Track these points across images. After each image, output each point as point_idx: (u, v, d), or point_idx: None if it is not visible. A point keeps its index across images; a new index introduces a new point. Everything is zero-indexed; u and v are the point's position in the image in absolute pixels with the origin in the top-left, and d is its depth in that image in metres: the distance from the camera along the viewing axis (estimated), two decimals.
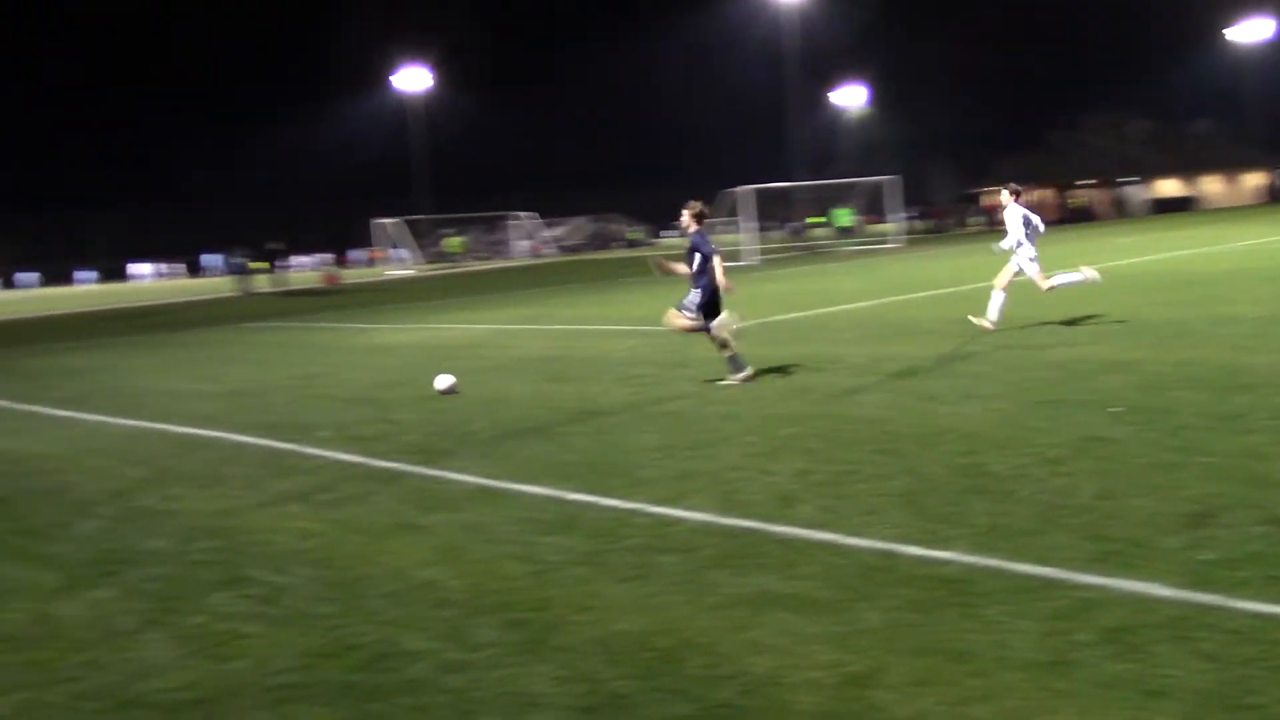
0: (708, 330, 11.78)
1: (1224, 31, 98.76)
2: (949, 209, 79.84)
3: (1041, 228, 14.45)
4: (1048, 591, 5.03)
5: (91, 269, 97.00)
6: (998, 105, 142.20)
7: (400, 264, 70.44)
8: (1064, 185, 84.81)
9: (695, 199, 12.17)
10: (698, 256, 11.74)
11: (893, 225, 59.02)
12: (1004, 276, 14.41)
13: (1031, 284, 14.58)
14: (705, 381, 11.83)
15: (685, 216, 12.00)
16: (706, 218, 12.13)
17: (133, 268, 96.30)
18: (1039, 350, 12.50)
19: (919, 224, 72.81)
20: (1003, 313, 14.24)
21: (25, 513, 8.18)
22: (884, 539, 5.96)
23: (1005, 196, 14.72)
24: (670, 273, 12.58)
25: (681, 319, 11.88)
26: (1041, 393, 9.88)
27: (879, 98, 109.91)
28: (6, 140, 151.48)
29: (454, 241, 77.85)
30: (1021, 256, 14.38)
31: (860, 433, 8.77)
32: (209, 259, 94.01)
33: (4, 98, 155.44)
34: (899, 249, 47.90)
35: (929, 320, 16.66)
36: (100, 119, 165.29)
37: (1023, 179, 25.77)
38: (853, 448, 8.24)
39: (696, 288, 11.71)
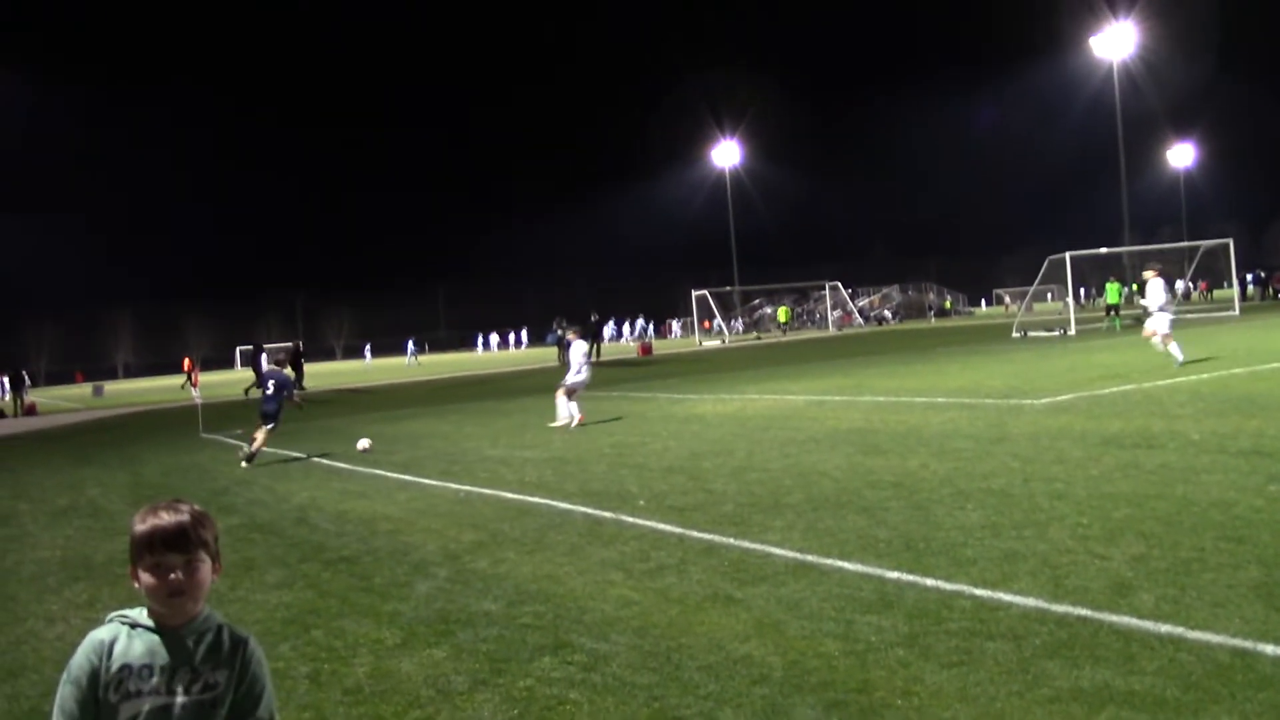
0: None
1: None
2: None
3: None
4: None
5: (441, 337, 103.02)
6: None
7: (713, 334, 71.71)
8: None
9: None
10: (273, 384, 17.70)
11: (1229, 292, 54.96)
12: None
13: None
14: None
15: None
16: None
17: (481, 338, 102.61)
18: None
19: (1257, 289, 67.53)
20: None
21: (370, 571, 8.76)
22: (1237, 635, 5.49)
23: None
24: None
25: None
26: None
27: (1216, 155, 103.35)
28: (363, 226, 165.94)
29: (783, 311, 78.77)
30: None
31: (1204, 516, 8.15)
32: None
33: (372, 189, 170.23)
34: (1235, 317, 44.46)
35: (1278, 394, 15.34)
36: (446, 203, 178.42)
37: None
38: (1197, 533, 7.66)
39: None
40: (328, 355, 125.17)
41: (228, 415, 30.53)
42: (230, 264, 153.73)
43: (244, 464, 16.79)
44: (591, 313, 55.26)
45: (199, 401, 26.66)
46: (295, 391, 19.35)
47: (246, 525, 11.48)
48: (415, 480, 13.83)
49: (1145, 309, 20.45)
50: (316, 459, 17.27)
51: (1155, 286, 20.72)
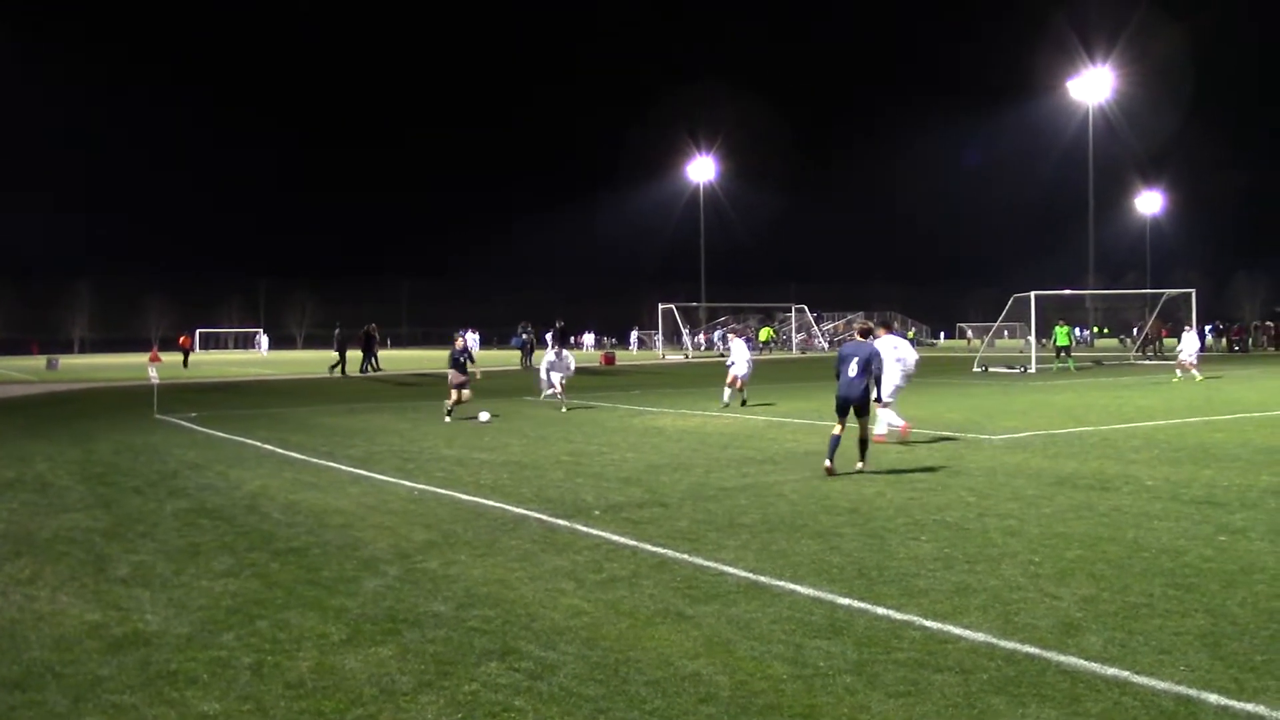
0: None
1: None
2: (1252, 327, 73.69)
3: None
4: None
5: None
6: None
7: (676, 348, 71.79)
8: None
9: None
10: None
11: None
12: None
13: None
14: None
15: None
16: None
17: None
18: None
19: (1216, 340, 68.23)
20: None
21: (319, 564, 8.66)
22: (1181, 682, 5.52)
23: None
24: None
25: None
26: None
27: (1184, 204, 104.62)
28: (332, 219, 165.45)
29: (766, 331, 78.82)
30: None
31: (1155, 562, 8.21)
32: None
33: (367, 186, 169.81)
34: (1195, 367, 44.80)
35: (1232, 445, 15.51)
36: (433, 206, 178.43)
37: None
38: (1146, 578, 7.71)
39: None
40: (289, 343, 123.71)
41: (182, 398, 30.22)
42: (193, 245, 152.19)
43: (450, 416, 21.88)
44: (556, 319, 55.15)
45: (155, 382, 26.34)
46: (369, 366, 22.04)
47: (195, 510, 11.33)
48: (369, 475, 13.72)
49: (732, 362, 25.25)
50: (269, 446, 17.10)
51: (738, 344, 25.63)
